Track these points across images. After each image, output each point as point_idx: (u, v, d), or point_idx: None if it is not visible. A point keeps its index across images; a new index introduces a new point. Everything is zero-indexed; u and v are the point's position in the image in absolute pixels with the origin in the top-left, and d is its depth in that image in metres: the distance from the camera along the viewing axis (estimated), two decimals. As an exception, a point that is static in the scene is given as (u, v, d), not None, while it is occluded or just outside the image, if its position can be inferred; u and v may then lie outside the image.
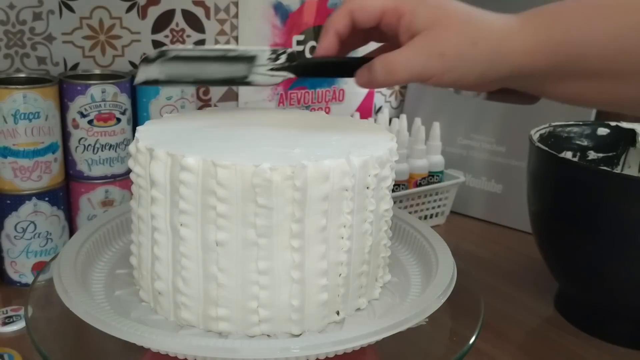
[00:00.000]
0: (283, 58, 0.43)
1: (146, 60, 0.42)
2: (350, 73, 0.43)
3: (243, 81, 0.43)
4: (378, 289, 0.43)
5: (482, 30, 0.39)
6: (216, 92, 0.78)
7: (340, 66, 0.44)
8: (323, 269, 0.37)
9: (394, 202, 0.73)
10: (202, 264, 0.37)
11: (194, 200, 0.36)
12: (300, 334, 0.38)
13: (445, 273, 0.42)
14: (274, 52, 0.42)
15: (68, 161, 0.61)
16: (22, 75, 0.61)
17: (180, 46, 0.40)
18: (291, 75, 0.43)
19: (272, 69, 0.43)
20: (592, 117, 0.74)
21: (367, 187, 0.38)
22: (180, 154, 0.36)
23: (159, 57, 0.42)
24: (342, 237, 0.38)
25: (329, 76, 0.48)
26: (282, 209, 0.36)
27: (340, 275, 0.38)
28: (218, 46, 0.43)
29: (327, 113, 0.83)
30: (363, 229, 0.39)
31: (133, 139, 0.40)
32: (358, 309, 0.41)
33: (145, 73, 0.42)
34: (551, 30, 0.39)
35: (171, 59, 0.42)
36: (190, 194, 0.36)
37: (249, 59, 0.42)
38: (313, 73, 0.46)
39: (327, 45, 0.42)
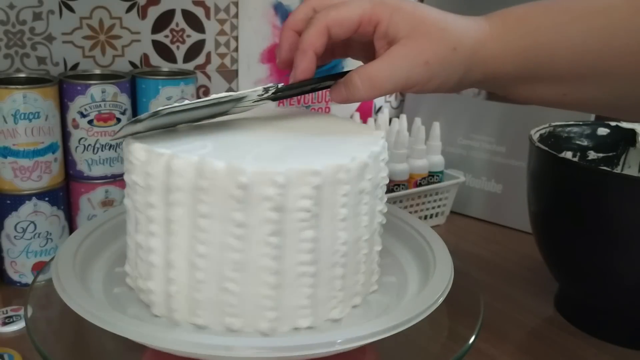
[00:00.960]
0: (271, 91, 0.41)
1: (136, 121, 0.38)
2: (325, 88, 0.43)
3: (223, 114, 0.43)
4: (357, 299, 0.42)
5: (460, 36, 0.39)
6: (216, 91, 0.78)
7: (317, 86, 0.44)
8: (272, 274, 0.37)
9: (394, 202, 0.73)
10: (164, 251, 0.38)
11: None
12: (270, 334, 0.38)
13: (443, 273, 0.41)
14: (265, 89, 0.41)
15: (68, 161, 0.61)
16: (22, 75, 0.61)
17: (175, 104, 0.39)
18: (270, 102, 0.43)
19: (254, 101, 0.42)
20: (592, 117, 0.74)
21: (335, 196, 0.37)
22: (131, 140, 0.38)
23: (150, 116, 0.38)
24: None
25: (305, 93, 0.47)
26: (221, 208, 0.36)
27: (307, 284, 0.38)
28: (214, 95, 0.40)
29: (327, 113, 0.83)
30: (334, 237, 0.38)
31: (133, 138, 0.40)
32: (333, 320, 0.40)
33: (129, 130, 0.38)
34: (519, 34, 0.39)
35: (161, 116, 0.38)
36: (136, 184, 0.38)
37: (239, 99, 0.41)
38: (292, 96, 0.45)
39: (307, 67, 0.40)
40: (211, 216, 0.36)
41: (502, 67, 0.40)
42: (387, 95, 0.94)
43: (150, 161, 0.37)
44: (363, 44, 0.42)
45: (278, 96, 0.43)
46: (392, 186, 0.75)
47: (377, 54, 0.40)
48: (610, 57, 0.38)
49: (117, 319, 0.35)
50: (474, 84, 0.42)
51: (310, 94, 0.83)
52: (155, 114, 0.37)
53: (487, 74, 0.40)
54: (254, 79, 0.80)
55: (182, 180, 0.36)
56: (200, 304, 0.38)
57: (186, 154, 0.36)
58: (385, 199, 0.43)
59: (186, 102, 0.39)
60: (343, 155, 0.38)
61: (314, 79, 0.42)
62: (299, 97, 0.81)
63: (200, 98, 0.76)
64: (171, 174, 0.36)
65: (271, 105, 0.48)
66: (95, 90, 0.59)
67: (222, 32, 0.76)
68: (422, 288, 0.43)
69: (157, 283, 0.39)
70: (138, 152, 0.37)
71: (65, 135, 0.60)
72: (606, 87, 0.39)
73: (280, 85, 0.41)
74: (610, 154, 0.66)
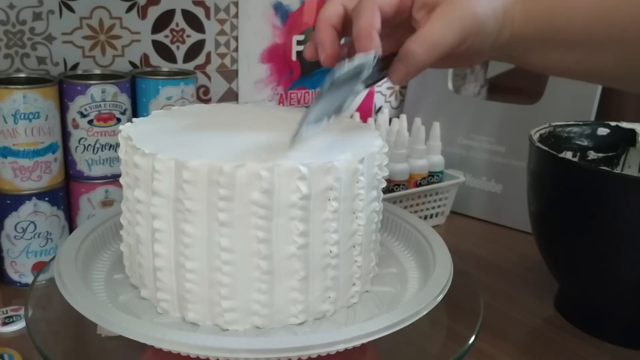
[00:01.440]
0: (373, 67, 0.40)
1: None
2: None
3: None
4: (355, 297, 0.42)
5: None
6: (216, 91, 0.78)
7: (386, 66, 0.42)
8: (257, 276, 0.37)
9: (394, 202, 0.73)
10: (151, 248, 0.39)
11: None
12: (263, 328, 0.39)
13: (442, 271, 0.41)
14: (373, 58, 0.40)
15: (68, 161, 0.61)
16: (22, 75, 0.61)
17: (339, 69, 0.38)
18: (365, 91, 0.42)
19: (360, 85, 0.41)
20: (592, 117, 0.74)
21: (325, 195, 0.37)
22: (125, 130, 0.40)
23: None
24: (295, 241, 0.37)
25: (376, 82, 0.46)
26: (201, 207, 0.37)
27: (298, 279, 0.38)
28: (353, 62, 0.39)
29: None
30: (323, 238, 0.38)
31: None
32: (324, 316, 0.40)
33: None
34: (539, 0, 0.42)
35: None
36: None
37: (359, 73, 0.40)
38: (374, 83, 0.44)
39: (379, 47, 0.40)
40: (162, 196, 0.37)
41: (525, 28, 0.41)
42: (387, 95, 0.94)
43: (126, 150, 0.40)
44: (389, 30, 0.43)
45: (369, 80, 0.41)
46: (392, 186, 0.75)
47: (417, 25, 0.41)
48: (622, 25, 0.40)
49: (120, 318, 0.35)
50: (502, 47, 0.43)
51: (311, 94, 0.84)
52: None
53: (513, 34, 0.42)
54: (254, 79, 0.80)
55: (142, 162, 0.38)
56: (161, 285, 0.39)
57: (146, 144, 0.38)
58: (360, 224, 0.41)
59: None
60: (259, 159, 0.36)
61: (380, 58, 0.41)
62: (299, 97, 0.82)
63: (200, 96, 0.77)
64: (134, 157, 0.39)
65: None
66: (95, 90, 0.59)
67: (222, 32, 0.76)
68: (422, 286, 0.43)
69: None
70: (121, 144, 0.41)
71: (65, 135, 0.60)
72: (618, 55, 0.41)
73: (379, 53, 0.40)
74: (610, 154, 0.66)
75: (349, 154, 0.38)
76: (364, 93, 0.41)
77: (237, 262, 0.37)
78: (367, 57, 0.39)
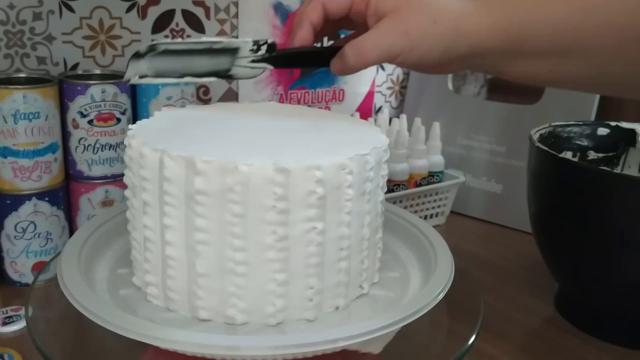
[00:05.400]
0: (264, 49, 0.45)
1: (137, 55, 0.44)
2: (324, 63, 0.46)
3: (226, 74, 0.46)
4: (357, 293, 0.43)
5: (442, 11, 0.43)
6: (216, 91, 0.78)
7: (315, 56, 0.47)
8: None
9: (394, 202, 0.73)
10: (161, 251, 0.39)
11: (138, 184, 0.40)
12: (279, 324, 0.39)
13: (443, 270, 0.42)
14: (255, 42, 0.45)
15: (68, 161, 0.61)
16: (22, 75, 0.61)
17: (168, 40, 0.44)
18: (270, 67, 0.46)
19: (252, 61, 0.45)
20: (592, 117, 0.74)
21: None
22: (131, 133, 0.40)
23: (149, 51, 0.44)
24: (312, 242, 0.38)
25: (304, 66, 0.54)
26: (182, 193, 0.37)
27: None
28: (205, 38, 0.45)
29: (328, 111, 0.83)
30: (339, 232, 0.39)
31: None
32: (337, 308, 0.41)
33: (134, 69, 0.44)
34: (504, 11, 0.42)
35: (160, 53, 0.44)
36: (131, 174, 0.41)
37: (233, 51, 0.45)
38: (290, 64, 0.49)
39: (303, 36, 0.45)
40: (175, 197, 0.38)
41: (488, 41, 0.42)
42: (387, 95, 0.94)
43: (144, 154, 0.39)
44: (364, 23, 0.45)
45: (272, 57, 0.45)
46: (392, 186, 0.75)
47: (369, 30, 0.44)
48: (589, 35, 0.40)
49: (123, 319, 0.35)
50: (462, 59, 0.43)
51: (311, 94, 0.84)
52: (153, 48, 0.44)
53: (473, 47, 0.42)
54: (253, 79, 0.80)
55: (149, 162, 0.38)
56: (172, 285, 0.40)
57: (153, 143, 0.38)
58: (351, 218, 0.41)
59: (178, 40, 0.43)
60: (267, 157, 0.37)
61: (310, 48, 0.46)
62: (299, 97, 0.82)
63: (200, 96, 0.77)
64: (141, 158, 0.39)
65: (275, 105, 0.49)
66: (95, 90, 0.59)
67: (222, 32, 0.76)
68: (423, 284, 0.43)
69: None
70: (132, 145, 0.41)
71: (65, 135, 0.60)
72: (587, 63, 0.41)
73: (270, 40, 0.45)
74: (610, 154, 0.66)
75: (360, 150, 0.39)
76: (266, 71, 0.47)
77: (250, 261, 0.37)
78: (245, 40, 0.45)
